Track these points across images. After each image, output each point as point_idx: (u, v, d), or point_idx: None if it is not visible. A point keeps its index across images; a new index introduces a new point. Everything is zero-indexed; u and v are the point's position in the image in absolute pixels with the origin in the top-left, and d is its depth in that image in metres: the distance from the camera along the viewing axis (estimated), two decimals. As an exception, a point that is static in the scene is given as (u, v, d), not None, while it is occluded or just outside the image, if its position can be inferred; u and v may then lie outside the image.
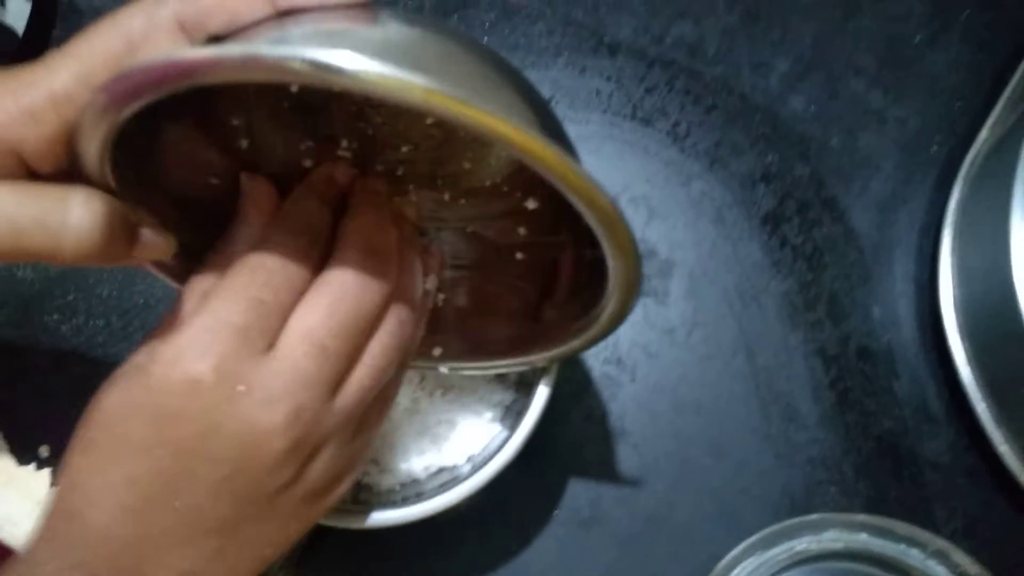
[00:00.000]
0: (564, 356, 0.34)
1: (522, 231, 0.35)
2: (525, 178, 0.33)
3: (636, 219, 0.46)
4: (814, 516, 0.39)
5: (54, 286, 0.47)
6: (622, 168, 0.47)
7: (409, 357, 0.32)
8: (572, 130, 0.31)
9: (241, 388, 0.25)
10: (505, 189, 0.34)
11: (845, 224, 0.46)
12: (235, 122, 0.31)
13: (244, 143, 0.32)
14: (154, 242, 0.27)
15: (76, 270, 0.47)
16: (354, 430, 0.29)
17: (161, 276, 0.31)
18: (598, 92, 0.48)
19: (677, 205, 0.47)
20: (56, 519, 0.26)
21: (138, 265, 0.29)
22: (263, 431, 0.26)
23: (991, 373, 0.41)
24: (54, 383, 0.46)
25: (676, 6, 0.49)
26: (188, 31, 0.25)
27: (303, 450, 0.27)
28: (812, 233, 0.46)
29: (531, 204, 0.34)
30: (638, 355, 0.45)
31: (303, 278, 0.28)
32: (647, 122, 0.48)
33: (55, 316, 0.46)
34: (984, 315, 0.41)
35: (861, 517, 0.39)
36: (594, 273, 0.29)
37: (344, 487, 0.30)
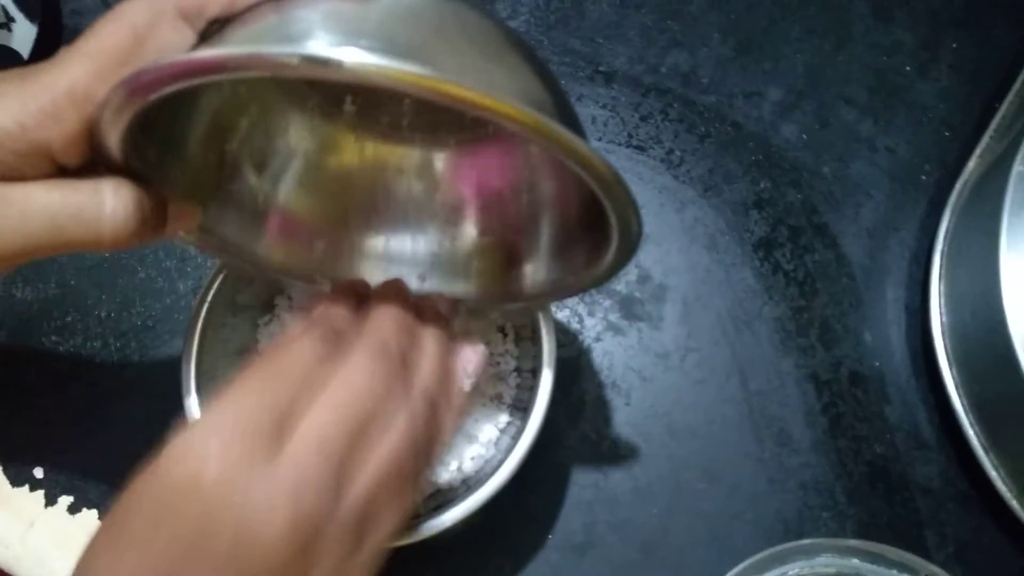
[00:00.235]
0: (577, 292, 0.36)
1: (526, 174, 0.35)
2: None
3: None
4: (806, 541, 0.40)
5: (52, 307, 0.47)
6: (617, 194, 0.48)
7: (430, 453, 0.31)
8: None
9: (240, 493, 0.25)
10: (507, 135, 0.35)
11: (837, 251, 0.47)
12: (242, 90, 0.33)
13: (253, 108, 0.33)
14: (182, 215, 0.28)
15: (73, 291, 0.47)
16: (362, 530, 0.28)
17: (197, 247, 0.35)
18: (594, 119, 0.49)
19: (671, 231, 0.47)
20: None
21: (171, 239, 0.30)
22: (262, 535, 0.25)
23: (981, 398, 0.41)
24: (50, 405, 0.46)
25: (671, 36, 0.50)
26: (189, 18, 0.26)
27: (304, 554, 0.26)
28: (804, 259, 0.47)
29: (533, 149, 0.34)
30: (632, 379, 0.45)
31: (320, 380, 0.27)
32: (642, 149, 0.49)
33: (53, 337, 0.46)
34: (974, 341, 0.41)
35: (853, 542, 0.39)
36: (598, 214, 0.29)
37: None
